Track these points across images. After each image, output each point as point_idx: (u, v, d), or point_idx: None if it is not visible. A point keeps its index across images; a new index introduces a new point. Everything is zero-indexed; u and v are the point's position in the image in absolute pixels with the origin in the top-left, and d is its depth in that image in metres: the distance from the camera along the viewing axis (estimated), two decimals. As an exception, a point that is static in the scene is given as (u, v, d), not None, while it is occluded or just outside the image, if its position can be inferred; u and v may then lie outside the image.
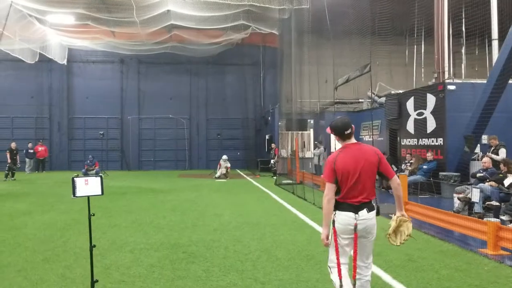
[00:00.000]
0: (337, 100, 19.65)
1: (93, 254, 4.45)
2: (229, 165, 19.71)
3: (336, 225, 3.79)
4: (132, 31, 20.76)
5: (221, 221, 9.10)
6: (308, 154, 20.67)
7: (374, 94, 19.31)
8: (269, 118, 23.36)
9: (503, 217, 8.38)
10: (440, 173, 13.12)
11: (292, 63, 18.53)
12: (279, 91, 22.25)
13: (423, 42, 22.50)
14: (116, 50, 23.80)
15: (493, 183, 9.49)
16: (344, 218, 3.75)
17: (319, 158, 17.53)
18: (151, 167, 26.13)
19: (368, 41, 21.21)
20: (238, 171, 23.37)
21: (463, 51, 20.17)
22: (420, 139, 14.52)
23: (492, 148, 11.68)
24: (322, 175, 5.18)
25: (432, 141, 13.92)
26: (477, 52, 22.76)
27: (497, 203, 8.97)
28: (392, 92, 18.25)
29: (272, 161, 20.26)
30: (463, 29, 20.09)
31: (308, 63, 18.74)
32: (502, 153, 11.41)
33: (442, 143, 13.50)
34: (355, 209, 3.76)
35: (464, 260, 6.09)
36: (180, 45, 22.93)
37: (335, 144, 14.72)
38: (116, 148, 26.13)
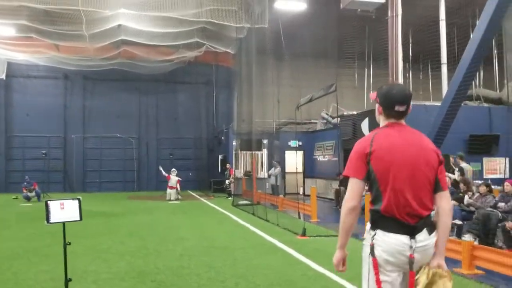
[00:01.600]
0: (291, 121, 19.71)
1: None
2: (178, 178, 19.02)
3: (376, 254, 2.49)
4: (79, 45, 19.86)
5: (186, 246, 8.61)
6: (263, 174, 20.51)
7: (327, 115, 19.60)
8: (223, 137, 23.06)
9: (466, 236, 8.54)
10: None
11: (248, 82, 18.45)
12: (233, 110, 22.06)
13: (371, 66, 23.29)
14: (60, 65, 22.63)
15: (454, 202, 9.72)
16: (393, 245, 2.45)
17: (276, 178, 17.40)
18: (96, 188, 24.86)
19: (321, 63, 21.72)
20: (190, 192, 22.74)
21: (408, 74, 21.01)
22: (376, 159, 14.76)
23: (454, 168, 12.05)
24: (345, 169, 2.48)
25: (388, 161, 14.18)
26: (421, 77, 23.85)
27: (460, 222, 9.16)
28: (345, 113, 18.60)
29: (227, 181, 19.88)
30: (410, 53, 21.02)
31: (264, 83, 18.74)
32: (458, 172, 11.81)
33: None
34: (410, 230, 2.46)
35: (444, 281, 6.03)
36: (130, 61, 22.20)
37: (296, 162, 14.62)
38: (59, 168, 24.65)
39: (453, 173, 11.77)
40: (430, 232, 2.53)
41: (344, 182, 15.35)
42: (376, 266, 2.50)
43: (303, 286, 5.87)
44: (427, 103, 14.36)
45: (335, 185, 16.03)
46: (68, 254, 7.82)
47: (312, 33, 18.82)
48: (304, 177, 20.67)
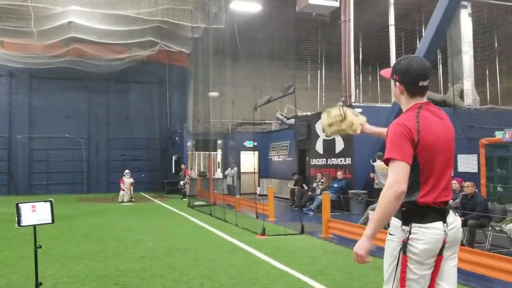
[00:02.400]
0: (247, 121, 19.87)
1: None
2: (132, 180, 18.68)
3: (413, 250, 2.33)
4: (26, 42, 19.02)
5: (146, 248, 8.52)
6: (218, 175, 20.51)
7: (282, 115, 19.90)
8: (177, 138, 22.82)
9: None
10: (349, 191, 13.83)
11: (203, 83, 18.41)
12: (187, 110, 21.89)
13: (323, 68, 23.88)
14: (5, 62, 21.58)
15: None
16: (433, 235, 2.32)
17: (232, 179, 17.47)
18: (44, 191, 23.87)
19: (276, 65, 22.00)
20: (143, 193, 22.35)
21: (358, 76, 21.73)
22: (329, 159, 15.19)
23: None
24: (386, 152, 2.22)
25: (341, 160, 14.64)
26: (370, 79, 24.69)
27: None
28: (299, 114, 18.96)
29: (181, 182, 19.71)
30: (360, 56, 21.74)
31: (219, 83, 18.77)
32: None
33: (350, 163, 14.25)
34: (443, 215, 2.39)
35: (400, 275, 6.35)
36: (79, 59, 21.52)
37: (255, 163, 14.74)
38: (3, 170, 23.49)
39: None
40: (455, 212, 2.50)
41: (299, 182, 15.68)
42: (405, 263, 2.35)
43: (267, 284, 5.98)
44: (377, 104, 14.94)
45: (291, 184, 16.32)
46: (21, 260, 7.63)
47: (268, 35, 19.06)
48: (259, 177, 20.88)
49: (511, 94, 21.47)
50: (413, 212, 2.36)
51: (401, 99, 2.53)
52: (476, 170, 13.40)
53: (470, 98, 17.67)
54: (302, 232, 9.78)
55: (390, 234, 2.51)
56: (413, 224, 2.35)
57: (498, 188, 12.80)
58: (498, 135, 13.75)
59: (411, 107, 2.46)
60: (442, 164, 2.39)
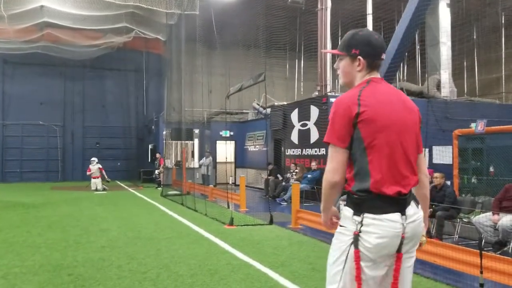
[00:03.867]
0: (223, 110, 19.65)
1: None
2: (100, 165, 18.27)
3: (365, 244, 2.01)
4: (-4, 27, 18.46)
5: (109, 237, 8.30)
6: (194, 164, 20.28)
7: (259, 105, 19.72)
8: (153, 127, 22.48)
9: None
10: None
11: (179, 71, 18.09)
12: (163, 99, 21.57)
13: (302, 57, 23.71)
14: (-24, 47, 20.98)
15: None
16: (386, 228, 2.00)
17: (207, 168, 17.26)
18: (17, 178, 23.38)
19: (252, 53, 21.75)
20: (119, 182, 22.01)
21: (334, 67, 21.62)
22: (304, 149, 15.09)
23: None
24: (326, 134, 2.20)
25: (316, 151, 14.55)
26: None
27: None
28: (276, 103, 18.81)
29: (156, 171, 19.45)
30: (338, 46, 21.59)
31: (195, 71, 18.48)
32: None
33: (324, 153, 14.16)
34: (401, 206, 2.05)
35: (362, 265, 6.26)
36: (54, 45, 20.98)
37: (230, 152, 14.57)
38: (-26, 158, 22.94)
39: None
40: (417, 204, 2.15)
41: (273, 172, 15.58)
42: (358, 259, 2.02)
43: (225, 274, 5.84)
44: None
45: (265, 174, 16.21)
46: (-24, 249, 7.33)
47: (244, 23, 18.81)
48: (235, 167, 20.72)
49: (489, 87, 21.66)
50: (365, 200, 2.03)
51: (357, 77, 2.17)
52: (451, 162, 13.47)
53: (447, 89, 17.74)
54: (271, 222, 9.66)
55: (340, 226, 2.18)
56: (365, 215, 2.02)
57: (473, 180, 12.87)
58: (473, 126, 13.83)
59: (364, 81, 2.14)
60: (398, 147, 2.05)
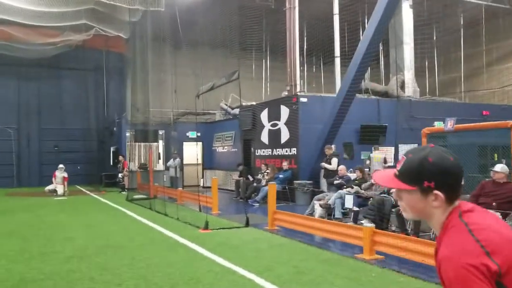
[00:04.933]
0: (189, 111, 19.18)
1: None
2: (66, 175, 17.45)
3: None
4: None
5: (76, 246, 7.75)
6: (160, 167, 19.69)
7: (227, 105, 19.38)
8: (115, 128, 21.65)
9: (362, 221, 8.84)
10: (295, 181, 13.59)
11: (142, 70, 17.50)
12: (126, 99, 20.83)
13: (268, 57, 23.56)
14: None
15: (350, 189, 10.06)
16: None
17: (175, 170, 16.72)
18: (-32, 185, 21.93)
19: (219, 53, 21.40)
20: (79, 187, 21.04)
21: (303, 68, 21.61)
22: (275, 149, 14.89)
23: (326, 158, 12.52)
24: None
25: (286, 151, 14.37)
26: (314, 70, 24.70)
27: (357, 208, 9.48)
28: (244, 104, 18.53)
29: (120, 175, 18.71)
30: (304, 46, 21.61)
31: (160, 71, 17.92)
32: (334, 162, 12.36)
33: (295, 153, 14.01)
34: None
35: (349, 268, 6.08)
36: (6, 43, 19.80)
37: (197, 153, 14.16)
38: None
39: (329, 163, 12.33)
40: None
41: (244, 173, 15.28)
42: None
43: (209, 283, 5.50)
44: (323, 94, 14.80)
45: (236, 176, 15.88)
46: None
47: (211, 21, 18.43)
48: (203, 169, 20.28)
49: (448, 86, 22.21)
50: None
51: (435, 213, 1.64)
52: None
53: (411, 89, 18.04)
54: (247, 225, 9.36)
55: None
56: None
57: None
58: (437, 125, 14.03)
59: (447, 220, 1.62)
60: None
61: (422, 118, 14.63)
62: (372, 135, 14.50)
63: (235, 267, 6.15)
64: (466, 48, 21.62)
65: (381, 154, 14.11)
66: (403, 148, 14.51)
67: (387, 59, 19.76)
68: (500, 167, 7.33)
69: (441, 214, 1.62)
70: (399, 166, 1.63)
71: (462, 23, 20.68)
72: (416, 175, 1.60)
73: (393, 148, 14.48)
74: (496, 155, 11.43)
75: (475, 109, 16.81)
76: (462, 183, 1.64)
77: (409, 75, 18.29)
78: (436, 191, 1.57)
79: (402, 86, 17.73)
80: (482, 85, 21.54)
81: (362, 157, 14.36)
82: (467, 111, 16.25)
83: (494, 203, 7.14)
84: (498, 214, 7.31)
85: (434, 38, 21.95)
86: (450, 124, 10.99)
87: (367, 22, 19.20)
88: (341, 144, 13.76)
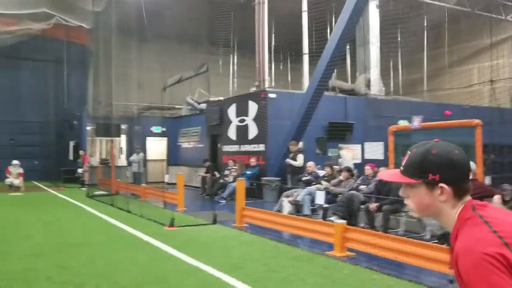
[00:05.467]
0: (153, 105, 18.71)
1: None
2: (21, 170, 16.58)
3: None
4: None
5: (33, 244, 7.29)
6: (122, 162, 19.09)
7: (193, 100, 19.00)
8: (75, 122, 20.82)
9: (332, 218, 8.76)
10: (262, 178, 13.43)
11: (106, 62, 16.90)
12: (87, 92, 20.08)
13: (236, 53, 23.29)
14: None
15: (319, 185, 9.97)
16: None
17: (138, 165, 16.20)
18: None
19: (188, 48, 21.02)
20: (36, 183, 20.13)
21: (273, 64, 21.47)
22: (242, 145, 14.67)
23: (292, 154, 12.44)
24: None
25: (254, 147, 14.18)
26: (281, 67, 24.64)
27: (326, 205, 9.39)
28: (211, 99, 18.22)
29: (79, 170, 18.00)
30: (272, 43, 21.47)
31: (124, 63, 17.35)
32: (300, 159, 12.31)
33: (264, 149, 13.84)
34: None
35: (321, 265, 5.94)
36: (-42, 31, 18.71)
37: (162, 149, 13.75)
38: None
39: (295, 160, 12.28)
40: None
41: (210, 170, 14.99)
42: None
43: (176, 282, 5.24)
44: (292, 91, 14.70)
45: (202, 172, 15.56)
46: None
47: (178, 14, 17.99)
48: (167, 165, 19.82)
49: (412, 86, 22.61)
50: None
51: (444, 210, 1.56)
52: (382, 157, 13.73)
53: (377, 87, 18.23)
54: (214, 222, 9.10)
55: None
56: None
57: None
58: (402, 123, 14.21)
59: (461, 213, 1.53)
60: None
61: (388, 116, 14.78)
62: (339, 132, 14.52)
63: (203, 265, 5.90)
64: (430, 49, 22.07)
65: (350, 152, 14.21)
66: (369, 146, 14.63)
67: (354, 58, 19.89)
68: (468, 165, 7.37)
69: (451, 210, 1.54)
70: (403, 162, 1.57)
71: (425, 24, 21.07)
72: (420, 168, 1.54)
73: (359, 145, 14.57)
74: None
75: (437, 109, 17.14)
76: (470, 177, 1.57)
77: (375, 74, 18.47)
78: (441, 184, 1.52)
79: (368, 85, 17.90)
80: (444, 85, 22.07)
81: (329, 154, 14.37)
82: (430, 110, 16.52)
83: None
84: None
85: (399, 38, 22.29)
86: (417, 122, 11.10)
87: (335, 21, 19.35)
88: (313, 139, 13.72)
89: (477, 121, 9.60)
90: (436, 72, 22.98)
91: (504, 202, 6.75)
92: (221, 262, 6.04)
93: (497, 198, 6.72)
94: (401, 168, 1.57)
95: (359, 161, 13.72)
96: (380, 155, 14.11)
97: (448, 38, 21.42)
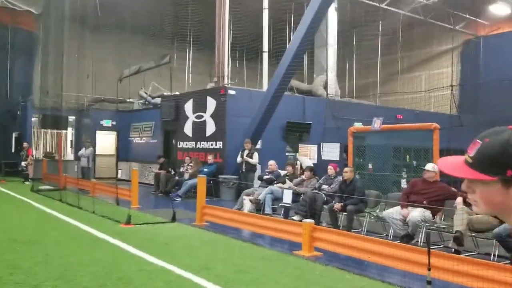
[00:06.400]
0: (107, 97, 17.92)
1: None
2: None
3: None
4: None
5: (-24, 242, 6.67)
6: (69, 156, 18.14)
7: (147, 94, 18.38)
8: (19, 112, 19.56)
9: (294, 217, 8.68)
10: (220, 176, 13.16)
11: (54, 50, 15.96)
12: (33, 81, 18.91)
13: (191, 49, 22.82)
14: None
15: (281, 184, 9.87)
16: None
17: (88, 160, 15.39)
18: None
19: (142, 40, 20.30)
20: (-27, 176, 18.73)
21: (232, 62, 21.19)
22: (199, 142, 14.33)
23: (247, 152, 12.34)
24: None
25: (212, 144, 13.89)
26: (236, 65, 24.41)
27: (289, 204, 9.29)
28: (165, 93, 17.70)
29: (23, 163, 16.91)
30: (229, 41, 21.19)
31: (74, 53, 16.45)
32: (256, 157, 12.26)
33: (221, 147, 13.58)
34: None
35: (291, 265, 5.80)
36: None
37: (112, 143, 13.12)
38: None
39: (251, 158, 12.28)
40: None
41: (165, 166, 14.54)
42: None
43: (142, 283, 4.91)
44: (252, 89, 14.52)
45: (155, 168, 15.05)
46: None
47: (133, 4, 17.35)
48: (117, 160, 19.05)
49: (365, 90, 23.10)
50: None
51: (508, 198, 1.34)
52: (338, 158, 13.90)
53: (333, 89, 18.46)
54: (173, 220, 8.76)
55: None
56: None
57: (356, 176, 13.48)
58: (358, 125, 14.44)
59: None
60: None
61: (344, 118, 14.99)
62: (296, 132, 14.53)
63: (168, 265, 5.60)
64: (383, 54, 22.65)
65: (306, 152, 14.27)
66: (326, 147, 14.75)
67: (311, 59, 20.04)
68: (431, 166, 7.51)
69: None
70: (471, 152, 1.30)
71: (380, 30, 21.58)
72: (498, 163, 1.29)
73: (315, 146, 14.65)
74: (408, 157, 11.95)
75: (390, 113, 17.58)
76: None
77: (331, 76, 18.71)
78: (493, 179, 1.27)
79: (325, 86, 18.09)
80: (395, 90, 22.72)
81: (286, 153, 14.36)
82: (384, 114, 16.86)
83: (425, 201, 7.31)
84: (428, 212, 7.55)
85: (354, 42, 22.73)
86: (377, 124, 11.28)
87: (293, 21, 19.39)
88: (279, 138, 13.76)
89: (435, 124, 9.87)
90: (389, 77, 23.63)
91: (466, 204, 6.92)
92: (188, 263, 5.76)
93: (459, 199, 6.88)
94: (469, 159, 1.31)
95: (315, 161, 13.79)
96: (336, 156, 14.28)
97: (401, 45, 22.07)
